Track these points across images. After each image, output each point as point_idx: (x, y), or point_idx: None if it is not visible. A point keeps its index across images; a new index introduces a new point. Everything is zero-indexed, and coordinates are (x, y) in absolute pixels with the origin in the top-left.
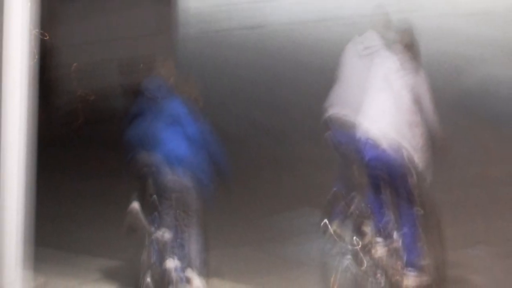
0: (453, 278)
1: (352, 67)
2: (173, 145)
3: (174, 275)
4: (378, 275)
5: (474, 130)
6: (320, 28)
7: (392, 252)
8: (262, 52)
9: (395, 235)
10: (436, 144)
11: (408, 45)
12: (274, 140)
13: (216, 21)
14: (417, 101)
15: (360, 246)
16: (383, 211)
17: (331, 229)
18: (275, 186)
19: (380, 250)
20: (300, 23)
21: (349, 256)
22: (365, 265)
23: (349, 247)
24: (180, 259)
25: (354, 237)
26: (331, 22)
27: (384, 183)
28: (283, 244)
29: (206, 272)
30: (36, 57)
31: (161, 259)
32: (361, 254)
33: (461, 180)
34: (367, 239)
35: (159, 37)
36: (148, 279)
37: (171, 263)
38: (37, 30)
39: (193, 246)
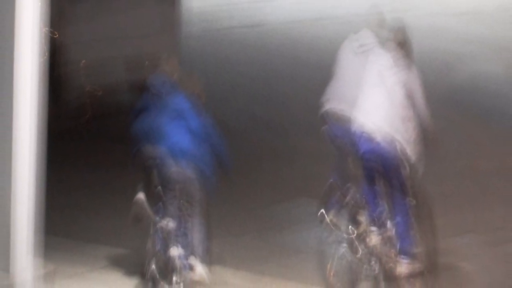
0: (444, 265)
1: (347, 64)
2: (177, 139)
3: (178, 262)
4: (373, 262)
5: (464, 124)
6: (317, 26)
7: (386, 241)
8: (261, 50)
9: (388, 224)
10: (428, 137)
11: (401, 43)
12: (273, 134)
13: (218, 20)
14: (409, 97)
15: (355, 234)
16: (377, 201)
17: (327, 219)
18: (274, 178)
19: (374, 239)
20: (298, 21)
21: (344, 244)
22: (360, 253)
23: (345, 235)
24: (183, 247)
25: (350, 226)
26: (328, 21)
27: (378, 174)
28: (282, 233)
29: (209, 260)
30: (46, 54)
31: (166, 247)
32: (356, 243)
33: (451, 172)
34: (362, 228)
35: (163, 35)
36: (153, 266)
37: (175, 251)
38: (47, 28)
39: (196, 235)
